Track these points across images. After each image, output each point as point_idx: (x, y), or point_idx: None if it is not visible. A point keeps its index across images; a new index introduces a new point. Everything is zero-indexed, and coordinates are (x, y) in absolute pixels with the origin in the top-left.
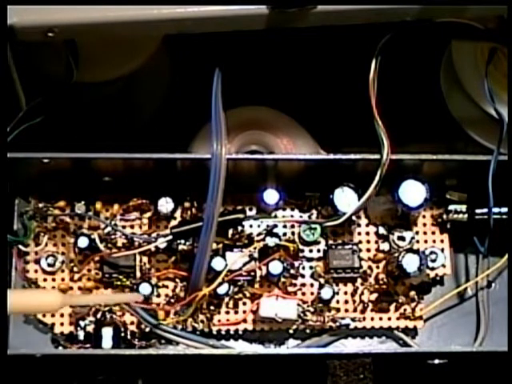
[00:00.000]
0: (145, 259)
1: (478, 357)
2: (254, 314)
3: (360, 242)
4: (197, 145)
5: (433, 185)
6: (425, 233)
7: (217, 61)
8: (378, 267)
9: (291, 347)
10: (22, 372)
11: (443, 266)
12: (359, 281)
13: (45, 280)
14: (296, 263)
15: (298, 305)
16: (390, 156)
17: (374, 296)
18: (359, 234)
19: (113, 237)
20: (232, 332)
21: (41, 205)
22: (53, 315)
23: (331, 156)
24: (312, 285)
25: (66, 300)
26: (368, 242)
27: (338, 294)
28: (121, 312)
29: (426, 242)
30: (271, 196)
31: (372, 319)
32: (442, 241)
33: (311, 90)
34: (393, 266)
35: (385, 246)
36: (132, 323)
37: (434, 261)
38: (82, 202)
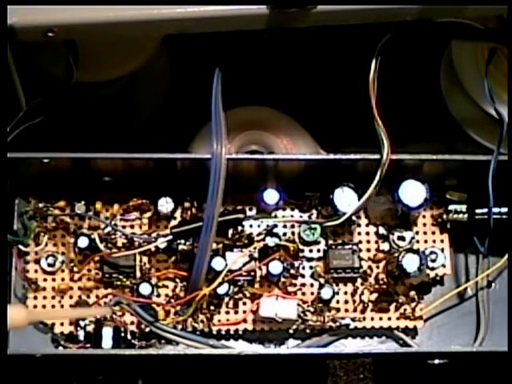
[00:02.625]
0: (145, 259)
1: (478, 357)
2: (254, 314)
3: (360, 242)
4: (197, 145)
5: (433, 185)
6: (425, 233)
7: (217, 61)
8: (378, 267)
9: (291, 347)
10: (22, 372)
11: (443, 266)
12: (359, 281)
13: (45, 280)
14: (296, 263)
15: (298, 305)
16: (390, 156)
17: (374, 296)
18: (359, 233)
19: (113, 237)
20: (232, 332)
21: (41, 205)
22: None
23: (331, 156)
24: (312, 285)
25: (32, 316)
26: (368, 242)
27: (338, 294)
28: (121, 312)
29: (426, 242)
30: (271, 196)
31: (372, 319)
32: (442, 241)
33: (311, 90)
34: (393, 266)
35: (385, 246)
36: (132, 323)
37: (434, 261)
38: (82, 202)
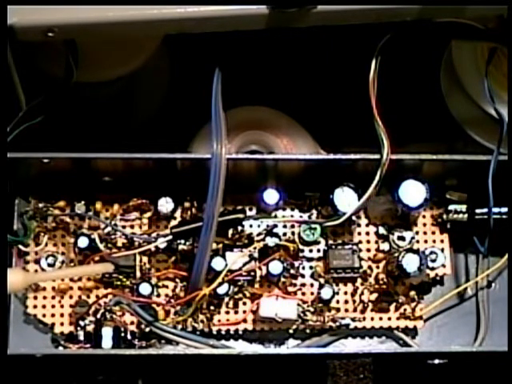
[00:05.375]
0: (145, 259)
1: (478, 357)
2: (254, 314)
3: (360, 242)
4: (197, 145)
5: (433, 185)
6: (425, 233)
7: (217, 61)
8: (378, 267)
9: (291, 347)
10: (22, 372)
11: (443, 265)
12: (359, 281)
13: None
14: (296, 263)
15: (298, 305)
16: (389, 156)
17: (374, 296)
18: (359, 233)
19: (113, 237)
20: (232, 332)
21: (41, 205)
22: (53, 315)
23: (331, 156)
24: (312, 285)
25: (30, 278)
26: (368, 242)
27: (338, 294)
28: (121, 312)
29: (426, 242)
30: (271, 196)
31: (372, 319)
32: (442, 241)
33: (311, 90)
34: (393, 266)
35: (385, 246)
36: (132, 323)
37: (434, 261)
38: (82, 202)
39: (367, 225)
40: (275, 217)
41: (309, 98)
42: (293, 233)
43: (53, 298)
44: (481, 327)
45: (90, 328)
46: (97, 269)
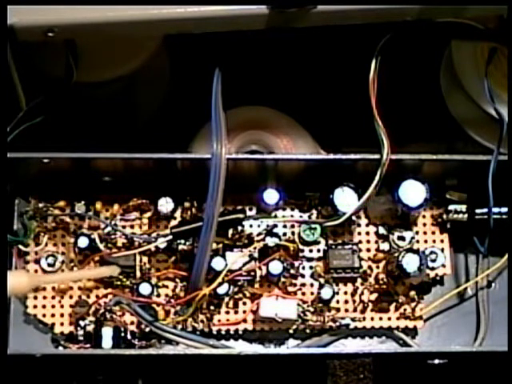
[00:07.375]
0: (145, 259)
1: (477, 357)
2: (254, 314)
3: (360, 241)
4: (197, 145)
5: (433, 185)
6: (425, 233)
7: (217, 61)
8: (378, 267)
9: (291, 347)
10: (21, 372)
11: (443, 265)
12: (359, 281)
13: None
14: (296, 263)
15: (298, 305)
16: (389, 156)
17: (374, 296)
18: (359, 233)
19: (113, 237)
20: (232, 332)
21: (41, 205)
22: (53, 315)
23: (331, 156)
24: (312, 285)
25: (34, 280)
26: (368, 241)
27: (338, 293)
28: (121, 312)
29: (426, 242)
30: (271, 196)
31: (372, 319)
32: (442, 241)
33: (311, 90)
34: (393, 265)
35: (385, 246)
36: (132, 323)
37: (434, 261)
38: (82, 202)
39: (367, 225)
40: (275, 217)
41: (309, 98)
42: (293, 233)
43: (53, 298)
44: (481, 327)
45: (90, 328)
46: (102, 272)
